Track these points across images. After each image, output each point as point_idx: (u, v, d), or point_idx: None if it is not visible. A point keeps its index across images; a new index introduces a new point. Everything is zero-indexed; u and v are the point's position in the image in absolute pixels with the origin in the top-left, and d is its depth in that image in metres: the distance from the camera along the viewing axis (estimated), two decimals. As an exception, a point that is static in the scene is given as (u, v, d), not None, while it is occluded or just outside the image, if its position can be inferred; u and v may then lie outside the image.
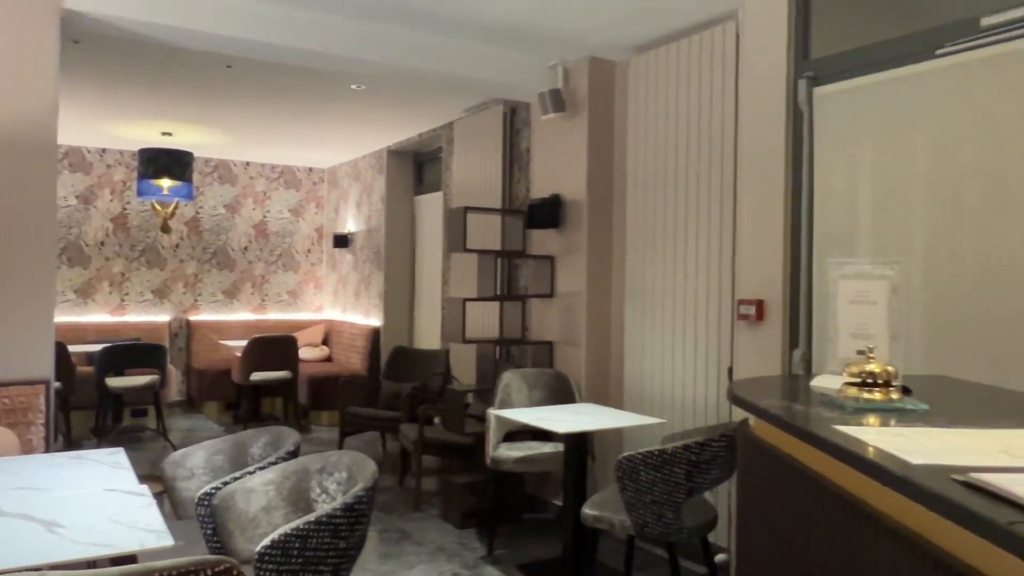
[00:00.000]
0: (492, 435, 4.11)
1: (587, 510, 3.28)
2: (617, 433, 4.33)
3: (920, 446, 1.16)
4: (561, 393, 4.42)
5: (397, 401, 5.74)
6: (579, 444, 3.62)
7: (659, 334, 4.24)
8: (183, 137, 7.15)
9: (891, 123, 2.90)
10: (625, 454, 3.05)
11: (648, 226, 4.34)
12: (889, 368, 1.52)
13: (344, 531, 2.21)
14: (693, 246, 4.02)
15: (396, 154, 7.51)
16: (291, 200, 8.87)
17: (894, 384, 1.52)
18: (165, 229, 6.98)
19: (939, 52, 2.74)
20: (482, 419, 4.38)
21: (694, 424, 3.91)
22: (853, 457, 1.11)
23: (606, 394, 4.56)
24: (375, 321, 7.64)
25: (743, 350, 3.43)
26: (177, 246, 8.24)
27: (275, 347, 6.74)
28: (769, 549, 1.56)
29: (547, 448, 4.16)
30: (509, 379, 4.40)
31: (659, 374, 4.23)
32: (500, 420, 4.09)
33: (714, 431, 3.18)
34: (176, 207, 6.99)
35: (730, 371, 3.64)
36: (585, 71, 4.59)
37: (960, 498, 0.88)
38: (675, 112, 4.16)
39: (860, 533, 1.16)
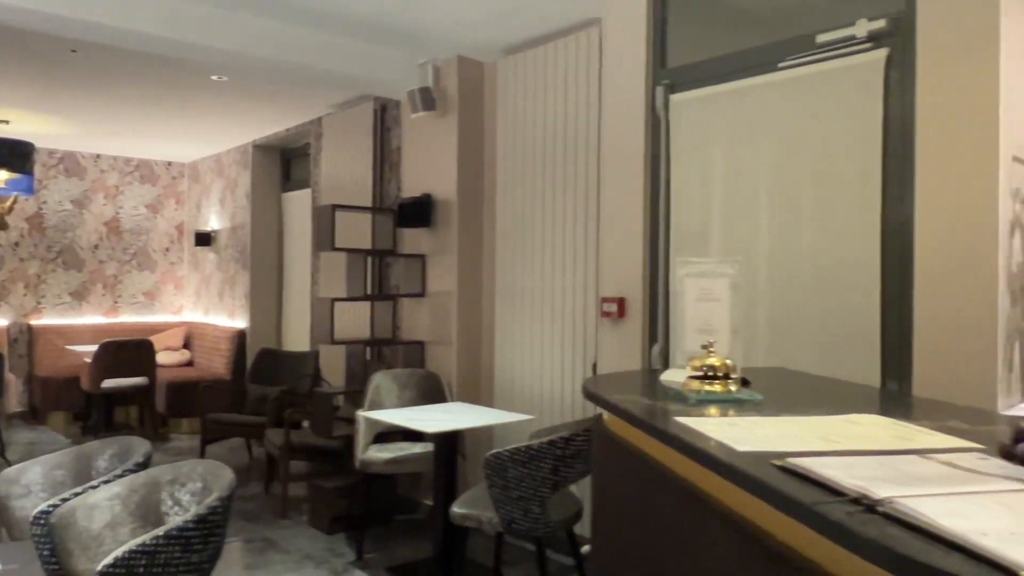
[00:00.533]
0: (361, 437, 4.04)
1: (456, 509, 3.29)
2: (488, 431, 4.36)
3: (749, 434, 1.24)
4: (432, 393, 4.41)
5: (264, 406, 5.53)
6: (449, 443, 3.62)
7: (528, 332, 4.31)
8: (23, 126, 6.58)
9: (738, 130, 3.08)
10: (492, 451, 3.09)
11: (517, 225, 4.40)
12: (728, 361, 1.61)
13: (197, 544, 2.11)
14: (560, 245, 4.11)
15: (262, 149, 7.24)
16: (147, 195, 8.36)
17: (733, 376, 1.61)
18: (2, 226, 6.40)
19: (780, 65, 2.93)
20: (352, 421, 4.30)
21: (562, 419, 4.00)
22: (687, 447, 1.17)
23: (477, 392, 4.59)
24: (240, 323, 7.33)
25: (607, 346, 3.54)
26: (17, 244, 7.58)
27: (129, 352, 6.34)
28: (621, 538, 1.62)
29: (418, 448, 4.14)
30: (379, 380, 4.34)
31: (529, 371, 4.30)
32: (369, 422, 4.03)
33: (580, 426, 3.26)
34: (15, 201, 6.43)
35: (595, 367, 3.76)
36: (455, 70, 4.60)
37: (776, 482, 0.95)
38: (543, 114, 4.24)
39: (697, 519, 1.22)
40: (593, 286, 3.89)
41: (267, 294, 7.21)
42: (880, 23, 2.63)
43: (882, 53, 2.63)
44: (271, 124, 6.55)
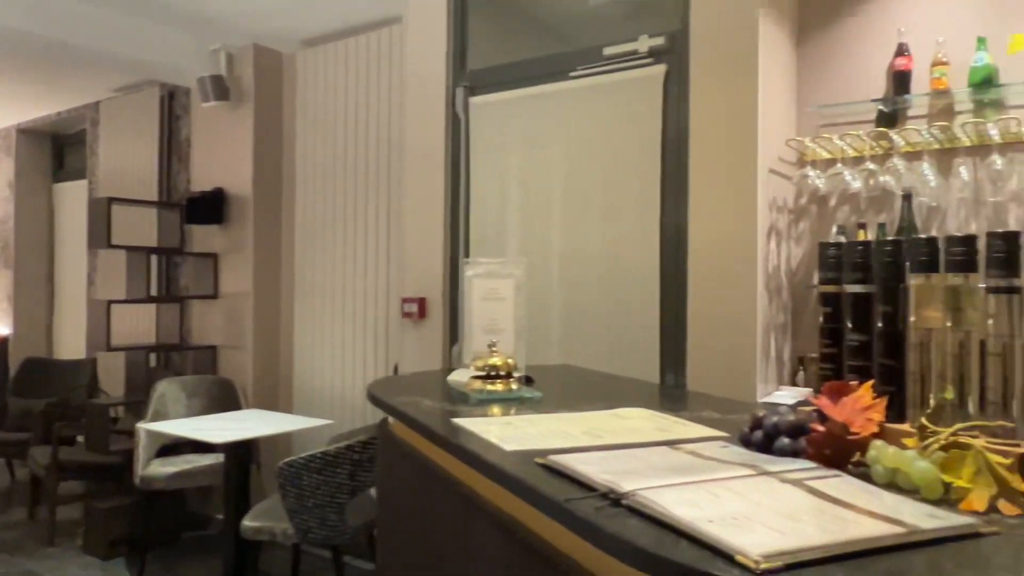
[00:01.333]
0: (142, 451, 3.71)
1: (247, 522, 3.11)
2: (287, 438, 4.17)
3: (522, 433, 1.26)
4: (225, 400, 4.15)
5: (29, 421, 4.93)
6: (240, 453, 3.41)
7: (330, 334, 4.17)
8: None
9: (534, 135, 3.16)
10: (286, 460, 2.95)
11: (318, 223, 4.25)
12: (510, 360, 1.63)
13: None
14: (363, 244, 4.02)
15: (29, 134, 6.45)
16: None
17: (515, 375, 1.64)
18: None
19: (572, 74, 3.05)
20: (133, 434, 3.94)
21: (364, 423, 3.91)
22: (456, 448, 1.16)
23: (275, 398, 4.37)
24: (2, 328, 6.49)
25: (408, 347, 3.51)
26: None
27: None
28: (405, 544, 1.59)
29: (207, 460, 3.87)
30: (164, 388, 4.01)
31: (330, 374, 4.17)
32: (152, 434, 3.71)
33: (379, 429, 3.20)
34: None
35: (396, 368, 3.71)
36: (250, 59, 4.35)
37: (533, 480, 0.96)
38: (344, 110, 4.13)
39: (471, 521, 1.22)
40: (395, 286, 3.84)
41: (34, 296, 6.43)
42: (659, 40, 2.81)
43: (661, 68, 2.81)
44: (39, 106, 5.85)
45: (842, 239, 2.46)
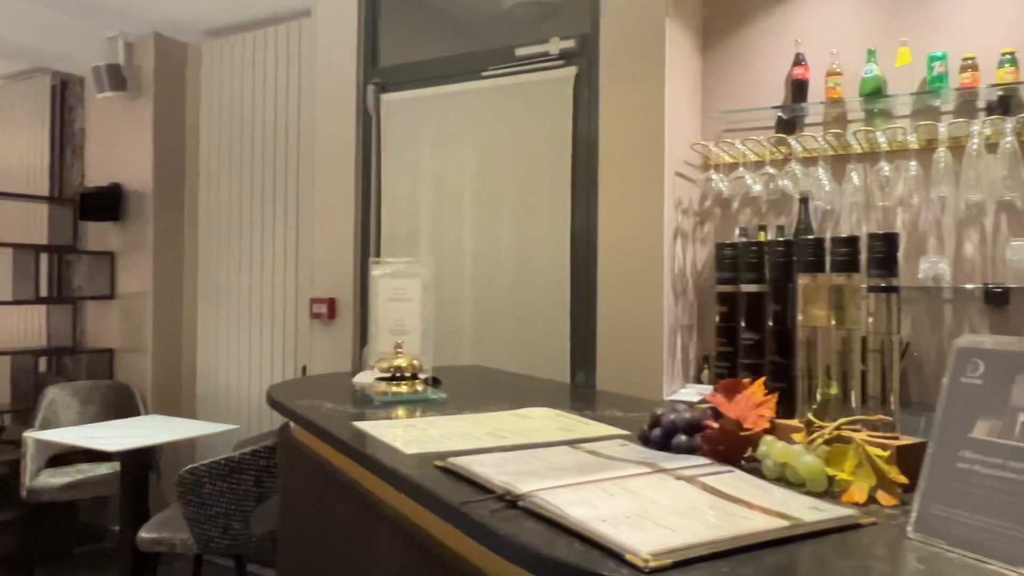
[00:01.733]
0: (29, 462, 3.50)
1: (144, 534, 2.97)
2: (190, 445, 4.01)
3: (424, 435, 1.23)
4: (122, 406, 3.95)
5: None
6: (137, 462, 3.25)
7: (236, 335, 4.03)
8: None
9: (446, 134, 3.14)
10: (187, 467, 2.83)
11: (223, 221, 4.10)
12: (415, 361, 1.61)
13: None
14: (271, 243, 3.91)
15: (-97, 122, 5.98)
16: None
17: (420, 376, 1.61)
18: None
19: (484, 74, 3.04)
20: (20, 444, 3.70)
21: (272, 427, 3.79)
22: (354, 452, 1.13)
23: (177, 403, 4.19)
24: None
25: (318, 348, 3.42)
26: None
27: None
28: (306, 548, 1.54)
29: (102, 470, 3.67)
30: (54, 394, 3.79)
31: (236, 378, 4.03)
32: (40, 443, 3.50)
33: (286, 433, 3.11)
34: None
35: (304, 370, 3.62)
36: (151, 49, 4.16)
37: (430, 484, 0.94)
38: (252, 104, 4.00)
39: (371, 526, 1.19)
40: (305, 286, 3.74)
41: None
42: (570, 43, 2.83)
43: (572, 71, 2.83)
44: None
45: (745, 240, 2.54)
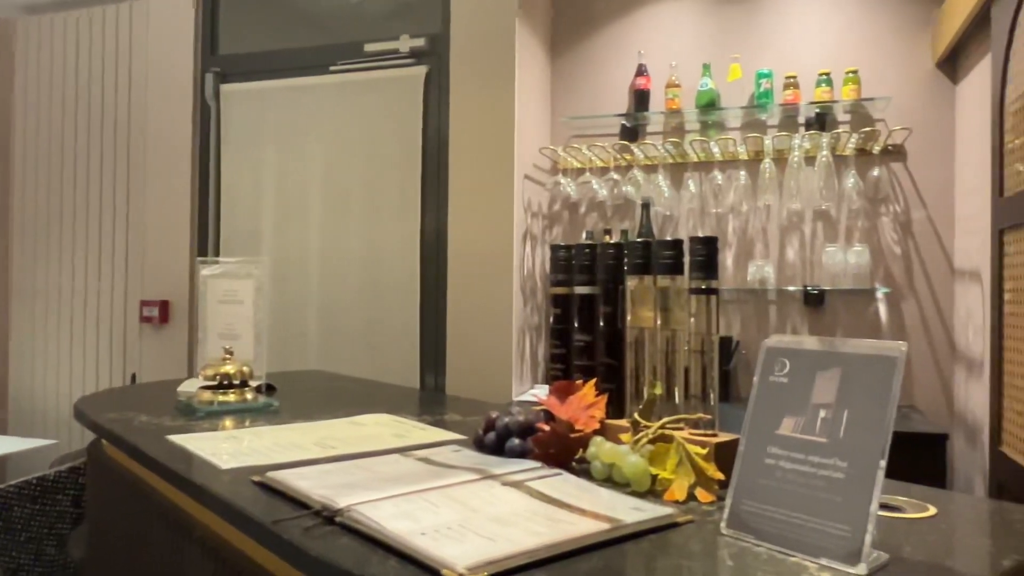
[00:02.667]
0: None
1: (-63, 567, 2.63)
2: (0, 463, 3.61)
3: (246, 447, 1.15)
4: (-85, 422, 3.49)
5: None
6: (-69, 485, 2.88)
7: (55, 342, 3.67)
8: None
9: (291, 128, 3.01)
10: (-10, 490, 2.53)
11: (42, 217, 3.72)
12: (245, 368, 1.51)
13: None
14: (96, 241, 3.59)
15: None
16: None
17: (250, 384, 1.52)
18: None
19: (332, 69, 2.94)
20: None
21: (83, 442, 3.49)
22: (164, 469, 1.03)
23: (-15, 417, 3.77)
24: None
25: (149, 355, 3.19)
26: None
27: None
28: (115, 573, 1.40)
29: None
30: None
31: (55, 388, 3.67)
32: None
33: (110, 447, 2.87)
34: None
35: (134, 378, 3.35)
36: (-47, 22, 3.72)
37: (241, 501, 0.87)
38: (75, 89, 3.65)
39: (183, 546, 1.09)
40: (134, 288, 3.47)
41: None
42: (420, 41, 2.79)
43: (422, 69, 2.79)
44: None
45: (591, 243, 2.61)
